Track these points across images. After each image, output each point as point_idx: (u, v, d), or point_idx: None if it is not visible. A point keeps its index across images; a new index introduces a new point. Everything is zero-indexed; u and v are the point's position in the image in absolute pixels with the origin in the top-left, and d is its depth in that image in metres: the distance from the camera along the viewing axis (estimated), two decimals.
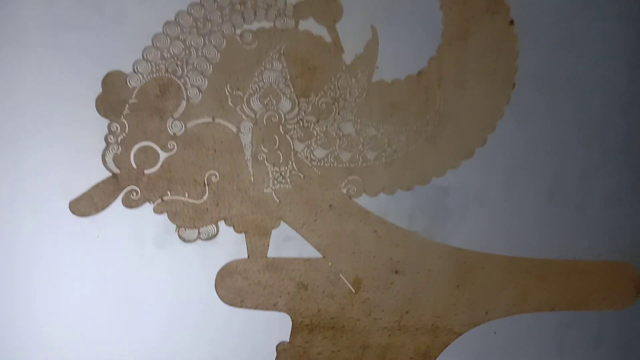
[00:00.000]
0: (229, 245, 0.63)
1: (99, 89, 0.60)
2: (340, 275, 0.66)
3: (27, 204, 0.61)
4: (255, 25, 0.63)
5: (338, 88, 0.64)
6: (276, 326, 0.66)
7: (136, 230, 0.62)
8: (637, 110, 0.71)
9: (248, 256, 0.64)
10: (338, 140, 0.65)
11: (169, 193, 0.62)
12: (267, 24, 0.63)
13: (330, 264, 0.65)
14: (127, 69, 0.60)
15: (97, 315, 0.63)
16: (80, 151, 0.60)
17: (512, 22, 0.67)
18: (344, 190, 0.65)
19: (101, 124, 0.60)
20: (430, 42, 0.66)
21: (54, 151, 0.60)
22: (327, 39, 0.64)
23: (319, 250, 0.65)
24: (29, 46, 0.60)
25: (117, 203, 0.61)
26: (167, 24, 0.61)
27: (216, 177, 0.63)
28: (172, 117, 0.61)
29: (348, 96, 0.65)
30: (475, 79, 0.66)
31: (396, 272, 0.67)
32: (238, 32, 0.62)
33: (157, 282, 0.63)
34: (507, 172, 0.69)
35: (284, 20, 0.63)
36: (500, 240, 0.68)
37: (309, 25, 0.64)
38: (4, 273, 0.62)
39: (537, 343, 0.71)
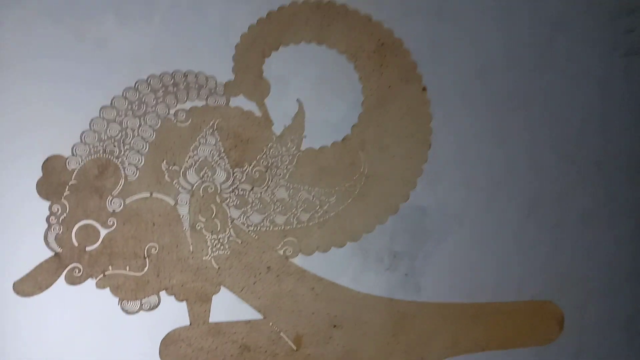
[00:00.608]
0: (171, 314, 0.66)
1: (38, 174, 0.63)
2: (282, 334, 0.69)
3: None
4: (188, 105, 0.67)
5: (270, 157, 0.69)
6: None
7: (80, 306, 0.64)
8: (611, 130, 0.76)
9: (190, 323, 0.67)
10: (273, 205, 0.69)
11: (110, 268, 0.64)
12: (199, 103, 0.68)
13: (271, 324, 0.69)
14: (66, 152, 0.64)
15: None
16: (22, 233, 0.63)
17: (424, 89, 0.74)
18: (281, 252, 0.69)
19: (42, 206, 0.63)
20: (352, 111, 0.72)
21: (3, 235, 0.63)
22: (257, 113, 0.69)
23: (259, 311, 0.68)
24: None
25: (61, 281, 0.63)
26: (103, 108, 0.65)
27: (156, 249, 0.66)
28: (111, 195, 0.65)
29: (280, 164, 0.70)
30: (394, 141, 0.72)
31: (335, 326, 0.70)
32: (172, 111, 0.67)
33: (102, 354, 0.65)
34: (485, 191, 0.73)
35: (215, 99, 0.68)
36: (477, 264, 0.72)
37: (240, 101, 0.69)
38: None
39: None
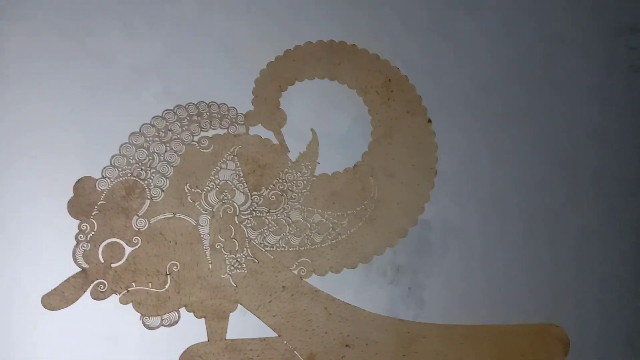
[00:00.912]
0: (190, 330, 0.68)
1: (70, 193, 0.67)
2: (295, 352, 0.71)
3: (2, 299, 0.65)
4: (211, 132, 0.73)
5: (286, 182, 0.74)
6: None
7: (104, 320, 0.66)
8: (612, 145, 0.78)
9: (208, 339, 0.69)
10: (288, 227, 0.73)
11: (133, 284, 0.67)
12: (221, 131, 0.73)
13: (285, 342, 0.71)
14: (96, 174, 0.68)
15: None
16: (52, 249, 0.66)
17: (429, 121, 0.80)
18: (295, 272, 0.72)
19: (72, 224, 0.67)
20: (362, 140, 0.77)
21: (28, 248, 0.66)
22: (274, 141, 0.74)
23: (274, 329, 0.71)
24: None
25: (86, 296, 0.66)
26: (132, 134, 0.70)
27: (177, 266, 0.69)
28: (137, 214, 0.69)
29: (295, 188, 0.74)
30: (402, 169, 0.77)
31: (347, 345, 0.73)
32: (196, 138, 0.72)
33: None
34: (486, 206, 0.75)
35: (235, 127, 0.73)
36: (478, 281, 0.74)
37: (258, 130, 0.74)
38: None
39: None
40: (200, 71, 0.73)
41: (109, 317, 0.66)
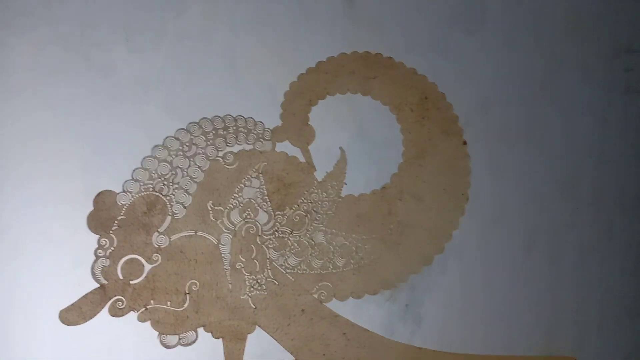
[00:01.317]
0: (208, 350, 0.67)
1: (90, 207, 0.66)
2: None
3: (21, 313, 0.65)
4: (236, 148, 0.70)
5: (310, 202, 0.71)
6: None
7: (121, 337, 0.66)
8: (610, 165, 0.78)
9: None
10: (310, 249, 0.71)
11: (152, 302, 0.66)
12: (247, 146, 0.70)
13: None
14: (117, 188, 0.67)
15: None
16: (70, 264, 0.65)
17: (465, 143, 0.76)
18: (316, 296, 0.71)
19: (91, 239, 0.66)
20: (392, 160, 0.74)
21: (48, 263, 0.65)
22: (301, 158, 0.71)
23: (291, 352, 0.70)
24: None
25: (104, 312, 0.65)
26: (155, 147, 0.68)
27: (197, 285, 0.68)
28: (158, 231, 0.67)
29: (319, 209, 0.71)
30: (432, 193, 0.74)
31: None
32: (220, 154, 0.69)
33: None
34: (484, 224, 0.75)
35: (262, 143, 0.70)
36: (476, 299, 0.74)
37: (285, 146, 0.71)
38: None
39: None
40: (225, 83, 0.70)
41: (125, 334, 0.66)
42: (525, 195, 0.76)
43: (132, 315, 0.66)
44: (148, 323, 0.66)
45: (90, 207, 0.66)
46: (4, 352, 0.65)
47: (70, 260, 0.65)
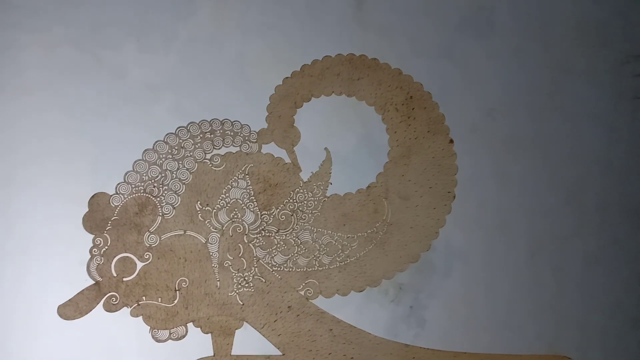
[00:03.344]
0: (197, 344, 0.70)
1: (85, 209, 0.70)
2: None
3: (21, 309, 0.69)
4: (223, 150, 0.72)
5: (296, 202, 0.73)
6: None
7: (115, 332, 0.70)
8: (617, 173, 0.77)
9: (214, 354, 0.71)
10: (296, 247, 0.73)
11: (144, 298, 0.70)
12: (233, 149, 0.73)
13: None
14: (110, 190, 0.70)
15: None
16: (67, 262, 0.69)
17: (451, 141, 0.76)
18: (302, 293, 0.73)
19: (87, 238, 0.70)
20: (378, 160, 0.75)
21: (54, 262, 0.70)
22: (287, 159, 0.73)
23: (278, 348, 0.72)
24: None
25: (99, 308, 0.69)
26: (146, 151, 0.71)
27: (186, 282, 0.71)
28: (149, 230, 0.70)
29: (305, 208, 0.73)
30: (417, 192, 0.75)
31: None
32: (208, 156, 0.72)
33: None
34: (490, 230, 0.75)
35: (248, 145, 0.73)
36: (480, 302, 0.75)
37: (271, 148, 0.73)
38: None
39: None
40: (214, 88, 0.72)
41: (119, 329, 0.69)
42: (531, 202, 0.76)
43: (126, 311, 0.70)
44: (140, 318, 0.70)
45: (85, 209, 0.70)
46: (9, 345, 0.69)
47: (77, 259, 0.69)
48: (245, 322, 0.72)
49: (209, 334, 0.71)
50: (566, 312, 0.76)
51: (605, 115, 0.78)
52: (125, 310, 0.70)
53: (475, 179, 0.76)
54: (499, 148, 0.76)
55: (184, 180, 0.71)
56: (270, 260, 0.73)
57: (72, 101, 0.71)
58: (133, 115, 0.71)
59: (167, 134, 0.71)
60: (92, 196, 0.70)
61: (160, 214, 0.71)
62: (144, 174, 0.71)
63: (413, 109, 0.75)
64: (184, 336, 0.71)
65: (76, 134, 0.71)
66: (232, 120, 0.72)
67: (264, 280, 0.72)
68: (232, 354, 0.71)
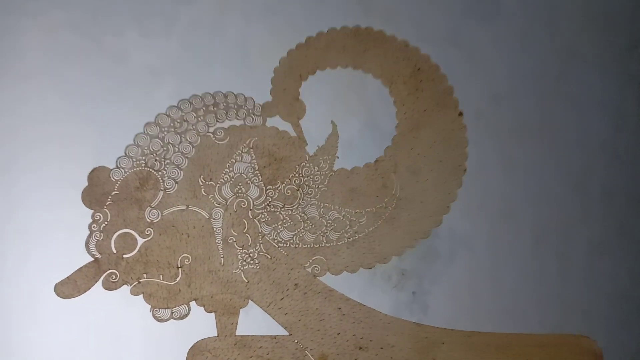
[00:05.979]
0: (200, 324, 0.67)
1: (84, 183, 0.67)
2: (307, 351, 0.69)
3: (22, 293, 0.67)
4: (227, 123, 0.70)
5: (302, 176, 0.71)
6: None
7: (114, 310, 0.67)
8: (623, 160, 0.76)
9: (217, 334, 0.68)
10: (303, 223, 0.71)
11: (145, 276, 0.67)
12: (237, 122, 0.71)
13: (296, 341, 0.69)
14: (110, 164, 0.68)
15: None
16: (65, 238, 0.67)
17: (461, 114, 0.74)
18: (309, 270, 0.70)
19: (86, 214, 0.67)
20: (386, 133, 0.73)
21: (42, 237, 0.67)
22: (292, 133, 0.71)
23: (285, 327, 0.69)
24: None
25: (98, 285, 0.67)
26: (147, 124, 0.69)
27: (189, 259, 0.68)
28: (150, 206, 0.68)
29: (312, 183, 0.71)
30: (427, 166, 0.72)
31: (360, 348, 0.70)
32: (211, 129, 0.70)
33: (131, 359, 0.67)
34: (494, 217, 0.74)
35: (252, 119, 0.71)
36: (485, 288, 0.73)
37: (276, 121, 0.71)
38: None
39: None
40: (216, 72, 0.70)
41: (118, 307, 0.67)
42: (536, 189, 0.75)
43: (125, 289, 0.67)
44: (141, 297, 0.67)
45: (84, 183, 0.67)
46: (9, 327, 0.67)
47: (78, 243, 0.66)
48: (250, 301, 0.69)
49: (213, 313, 0.68)
50: (571, 299, 0.74)
51: (611, 101, 0.77)
52: (125, 289, 0.67)
53: (480, 165, 0.74)
54: (504, 134, 0.75)
55: (186, 154, 0.69)
56: (276, 236, 0.70)
57: (73, 86, 0.69)
58: (134, 99, 0.70)
59: (170, 106, 0.69)
60: (92, 170, 0.67)
61: (162, 188, 0.68)
62: (146, 148, 0.68)
63: (421, 81, 0.73)
64: (186, 315, 0.68)
65: (77, 118, 0.69)
66: (235, 93, 0.70)
67: (269, 257, 0.70)
68: (236, 334, 0.68)
